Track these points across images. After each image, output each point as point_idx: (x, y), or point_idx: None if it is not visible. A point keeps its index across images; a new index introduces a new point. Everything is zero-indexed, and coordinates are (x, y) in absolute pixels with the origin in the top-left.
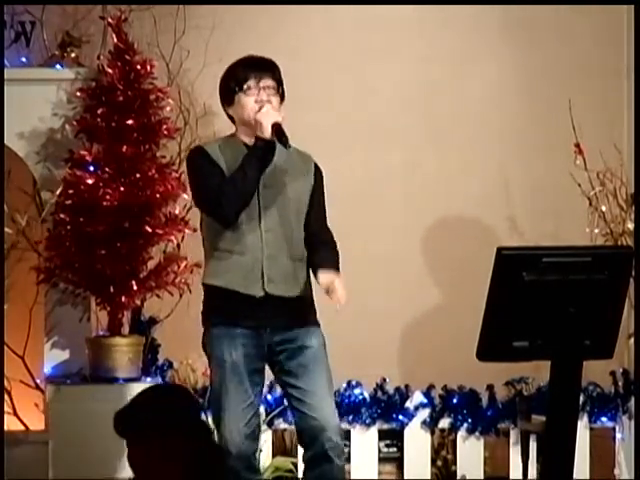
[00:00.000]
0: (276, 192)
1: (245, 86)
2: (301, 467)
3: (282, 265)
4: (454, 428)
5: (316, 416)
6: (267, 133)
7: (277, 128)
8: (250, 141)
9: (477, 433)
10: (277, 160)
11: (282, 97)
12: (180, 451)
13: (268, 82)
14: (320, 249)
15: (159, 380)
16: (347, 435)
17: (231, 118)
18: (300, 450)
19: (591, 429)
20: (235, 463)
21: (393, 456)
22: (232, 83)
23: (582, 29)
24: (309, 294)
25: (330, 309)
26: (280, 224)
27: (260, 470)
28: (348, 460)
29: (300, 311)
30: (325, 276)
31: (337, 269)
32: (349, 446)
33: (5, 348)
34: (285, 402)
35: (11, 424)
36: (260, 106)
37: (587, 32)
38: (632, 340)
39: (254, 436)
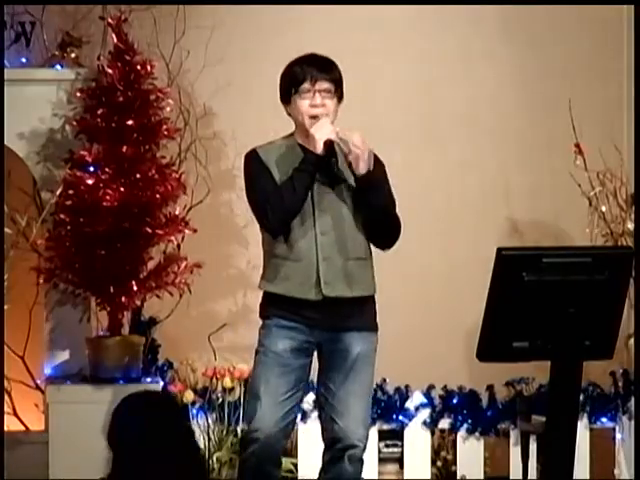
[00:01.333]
0: (331, 195)
1: (301, 88)
2: (302, 465)
3: (338, 266)
4: (454, 428)
5: (340, 423)
6: (319, 149)
7: (329, 146)
8: (305, 142)
9: (477, 433)
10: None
11: (340, 99)
12: (179, 450)
13: (324, 85)
14: None
15: (159, 380)
16: None
17: (290, 115)
18: (301, 451)
19: (591, 429)
20: (259, 452)
21: (393, 456)
22: (289, 84)
23: (581, 28)
24: (369, 295)
25: None
26: (334, 226)
27: (282, 465)
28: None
29: (355, 313)
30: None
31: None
32: None
33: (5, 348)
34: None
35: (11, 424)
36: (314, 115)
37: (586, 31)
38: (632, 340)
39: (286, 431)
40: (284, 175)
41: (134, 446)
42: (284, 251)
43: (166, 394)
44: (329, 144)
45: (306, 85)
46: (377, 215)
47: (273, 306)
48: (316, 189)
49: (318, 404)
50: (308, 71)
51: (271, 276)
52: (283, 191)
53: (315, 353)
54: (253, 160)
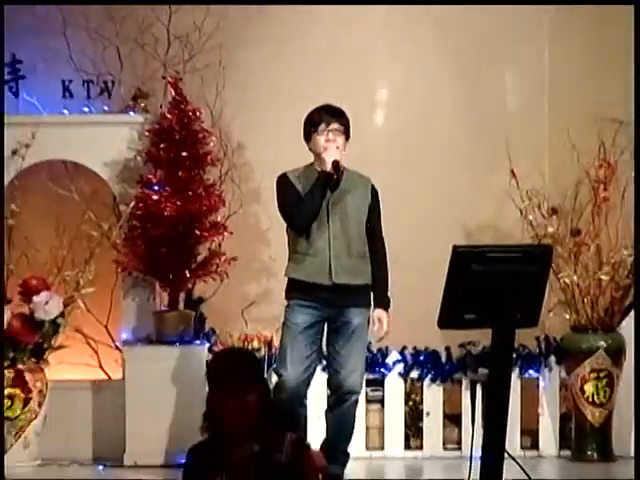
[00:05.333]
0: (340, 208)
1: (318, 128)
2: (312, 406)
3: (345, 262)
4: (421, 378)
5: (341, 372)
6: (327, 167)
7: (335, 164)
8: (321, 168)
9: (438, 382)
10: (343, 183)
11: (347, 137)
12: (255, 392)
13: (335, 126)
14: (374, 265)
15: (205, 343)
16: None
17: (311, 151)
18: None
19: (521, 379)
20: (290, 399)
21: (377, 398)
22: (309, 126)
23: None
24: (367, 282)
25: None
26: (343, 232)
27: (307, 407)
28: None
29: (355, 295)
30: (377, 313)
31: (385, 299)
32: None
33: (93, 319)
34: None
35: (98, 375)
36: (326, 146)
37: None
38: (552, 313)
39: (307, 382)
40: (303, 189)
41: (220, 382)
42: (305, 248)
43: (247, 350)
44: (336, 164)
45: (322, 126)
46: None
47: (295, 290)
48: (330, 201)
49: (327, 361)
50: (323, 116)
51: (294, 267)
52: (305, 200)
53: (325, 326)
54: (284, 181)
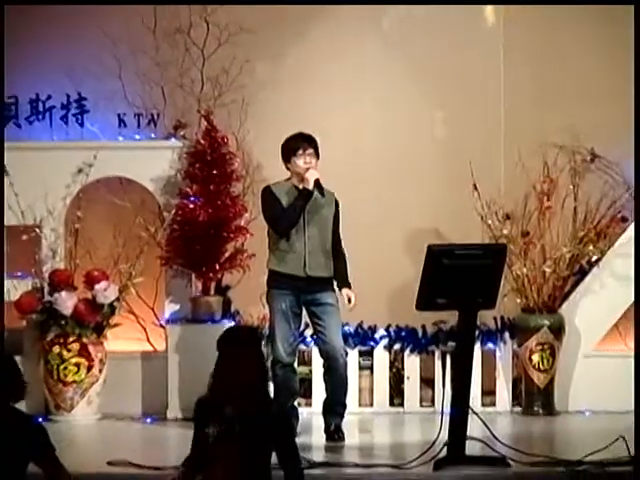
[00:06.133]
0: (314, 215)
1: (297, 153)
2: (316, 372)
3: (317, 258)
4: (402, 349)
5: (329, 342)
6: (310, 186)
7: (317, 183)
8: (298, 183)
9: (416, 352)
10: (316, 195)
11: (318, 157)
12: (254, 349)
13: (310, 150)
14: (337, 260)
15: (231, 322)
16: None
17: (288, 169)
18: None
19: (481, 350)
20: (283, 367)
21: (367, 365)
22: (288, 151)
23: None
24: (331, 274)
25: None
26: (316, 235)
27: (297, 373)
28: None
29: (324, 283)
30: (345, 291)
31: (348, 282)
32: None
33: (143, 302)
34: (307, 336)
35: (146, 347)
36: (307, 168)
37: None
38: (506, 298)
39: (294, 354)
40: (286, 202)
41: (229, 350)
42: (285, 247)
43: (251, 328)
44: (317, 182)
45: (300, 151)
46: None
47: (276, 280)
48: (307, 210)
49: (314, 334)
50: (300, 143)
51: (276, 261)
52: (288, 212)
53: (304, 309)
54: (269, 192)
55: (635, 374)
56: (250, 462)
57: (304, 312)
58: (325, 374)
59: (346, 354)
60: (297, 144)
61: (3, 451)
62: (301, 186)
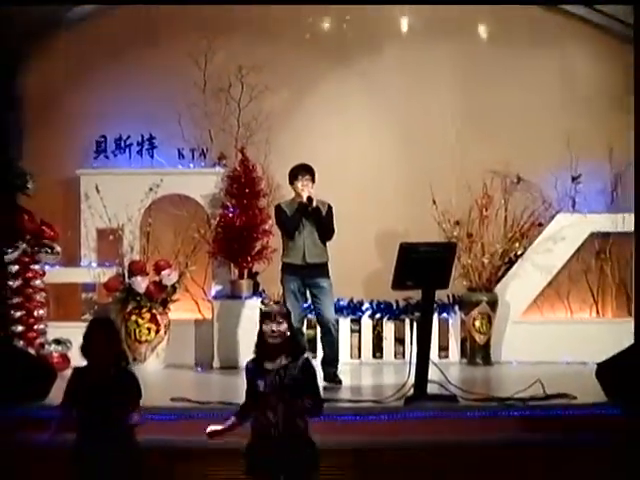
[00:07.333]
0: (310, 220)
1: (297, 178)
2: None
3: (313, 249)
4: (382, 318)
5: (323, 315)
6: (304, 200)
7: (309, 198)
8: (299, 201)
9: (391, 320)
10: (316, 204)
11: (313, 181)
12: (288, 321)
13: (307, 177)
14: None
15: (259, 298)
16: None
17: (293, 189)
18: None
19: (438, 319)
20: (295, 331)
21: (356, 330)
22: (292, 177)
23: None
24: (327, 262)
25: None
26: (312, 234)
27: (304, 334)
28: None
29: (320, 269)
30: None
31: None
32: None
33: (196, 284)
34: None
35: (198, 316)
36: (302, 189)
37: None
38: (456, 281)
39: (302, 321)
40: (290, 213)
41: (264, 318)
42: (291, 244)
43: (280, 302)
44: (309, 198)
45: (299, 177)
46: (324, 227)
47: (286, 268)
48: (304, 220)
49: (313, 308)
50: (300, 172)
51: (285, 255)
52: (291, 220)
53: (307, 289)
54: (279, 209)
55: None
56: (289, 404)
57: (308, 293)
58: (321, 337)
59: (338, 322)
60: (297, 172)
61: (115, 393)
62: (299, 201)
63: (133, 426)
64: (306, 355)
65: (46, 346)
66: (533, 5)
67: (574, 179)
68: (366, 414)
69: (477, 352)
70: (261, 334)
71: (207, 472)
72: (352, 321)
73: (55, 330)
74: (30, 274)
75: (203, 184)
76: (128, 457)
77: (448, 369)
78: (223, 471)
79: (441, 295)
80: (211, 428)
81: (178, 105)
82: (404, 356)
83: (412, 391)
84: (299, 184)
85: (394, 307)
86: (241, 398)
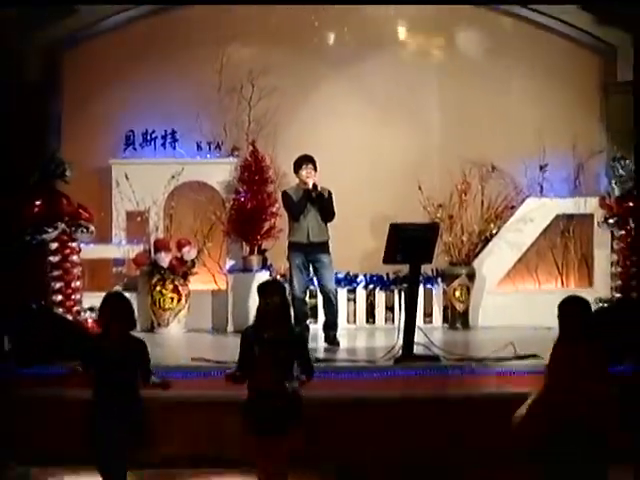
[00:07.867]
0: (314, 205)
1: (302, 167)
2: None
3: (316, 229)
4: (374, 288)
5: (324, 285)
6: (310, 186)
7: (314, 185)
8: (304, 187)
9: (383, 290)
10: (320, 189)
11: (316, 170)
12: (280, 295)
13: (310, 166)
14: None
15: (267, 272)
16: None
17: (297, 177)
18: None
19: (424, 289)
20: (299, 300)
21: (352, 298)
22: (296, 165)
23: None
24: (327, 241)
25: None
26: (315, 217)
27: (307, 303)
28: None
29: (322, 247)
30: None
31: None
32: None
33: (212, 259)
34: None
35: (214, 287)
36: (307, 177)
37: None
38: (439, 256)
39: (305, 292)
40: (295, 198)
41: (264, 295)
42: (296, 225)
43: (275, 279)
44: (314, 185)
45: (303, 166)
46: (326, 210)
47: (292, 245)
48: (309, 204)
49: (316, 279)
50: (303, 161)
51: (291, 234)
52: (297, 204)
53: (310, 265)
54: (287, 194)
55: None
56: (281, 368)
57: (311, 267)
58: (323, 305)
59: (337, 292)
60: (301, 162)
61: (127, 361)
62: (304, 188)
63: (156, 385)
64: (298, 328)
65: (82, 313)
66: (508, 14)
67: (542, 168)
68: (361, 372)
69: (457, 318)
70: (259, 303)
71: (223, 420)
72: (348, 291)
73: (90, 299)
74: (68, 251)
75: (219, 172)
76: (138, 410)
77: (432, 333)
78: (236, 421)
79: (426, 269)
80: (228, 372)
81: (197, 103)
82: (394, 322)
83: (400, 352)
84: (303, 172)
85: (385, 279)
86: None
